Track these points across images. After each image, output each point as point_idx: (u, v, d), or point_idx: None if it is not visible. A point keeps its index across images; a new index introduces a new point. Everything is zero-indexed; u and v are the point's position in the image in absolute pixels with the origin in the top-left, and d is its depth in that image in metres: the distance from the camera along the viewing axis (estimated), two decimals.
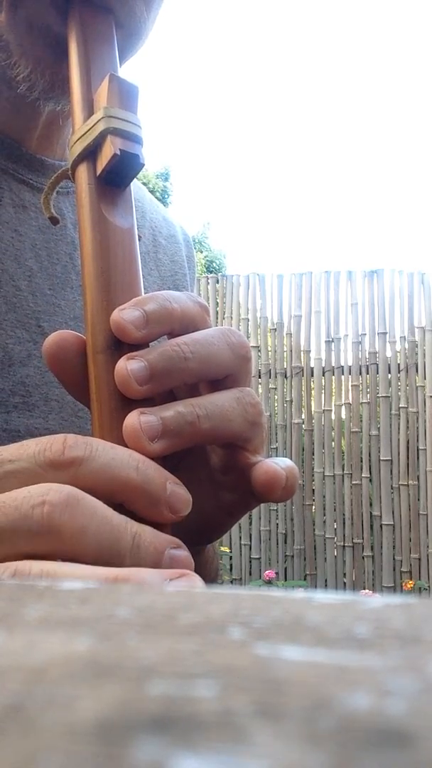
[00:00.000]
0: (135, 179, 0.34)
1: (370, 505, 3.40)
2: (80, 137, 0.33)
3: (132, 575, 0.24)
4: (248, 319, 3.62)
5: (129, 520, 0.26)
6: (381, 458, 3.38)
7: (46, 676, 0.08)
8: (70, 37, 0.36)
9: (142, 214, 0.55)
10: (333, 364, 3.50)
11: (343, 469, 3.44)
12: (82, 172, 0.33)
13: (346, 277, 3.56)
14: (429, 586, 3.26)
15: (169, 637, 0.09)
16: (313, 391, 3.53)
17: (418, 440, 3.38)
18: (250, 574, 3.47)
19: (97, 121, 0.32)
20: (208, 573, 0.44)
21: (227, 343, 0.31)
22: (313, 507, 3.44)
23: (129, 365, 0.28)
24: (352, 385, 3.47)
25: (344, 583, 3.38)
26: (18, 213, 0.45)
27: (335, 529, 3.44)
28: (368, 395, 3.45)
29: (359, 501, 3.39)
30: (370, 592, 3.21)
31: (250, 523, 3.49)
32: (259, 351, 3.58)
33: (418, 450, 3.37)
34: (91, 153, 0.33)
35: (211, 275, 3.77)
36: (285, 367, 3.55)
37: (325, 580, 3.40)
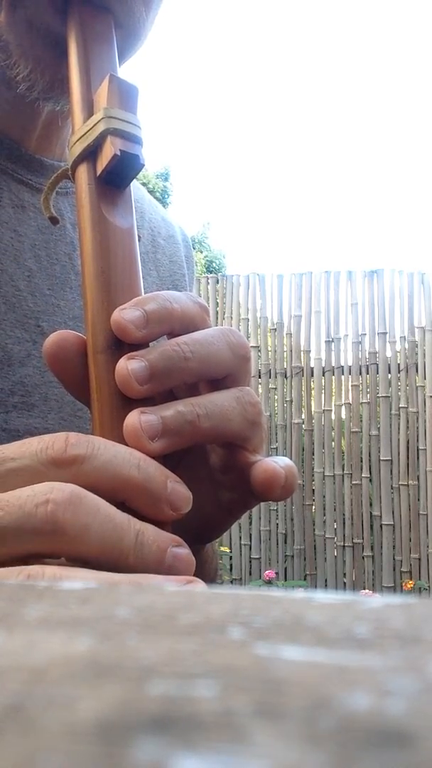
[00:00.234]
0: (134, 179, 0.34)
1: (370, 505, 3.41)
2: (80, 137, 0.33)
3: (144, 582, 0.24)
4: (248, 319, 3.62)
5: (132, 518, 0.26)
6: (381, 458, 3.38)
7: (46, 676, 0.08)
8: (70, 37, 0.36)
9: (141, 214, 0.55)
10: (333, 364, 3.50)
11: (343, 469, 3.44)
12: (82, 172, 0.33)
13: (346, 277, 3.56)
14: (429, 586, 3.26)
15: (169, 637, 0.09)
16: (313, 391, 3.53)
17: (418, 440, 3.38)
18: (250, 574, 3.47)
19: (97, 122, 0.32)
20: (208, 572, 0.44)
21: (227, 343, 0.31)
22: (313, 507, 3.44)
23: (129, 365, 0.28)
24: (352, 385, 3.47)
25: (344, 583, 3.38)
26: (17, 213, 0.45)
27: (335, 529, 3.44)
28: (368, 395, 3.45)
29: (359, 501, 3.39)
30: (370, 592, 3.21)
31: (250, 523, 3.49)
32: (259, 351, 3.58)
33: (418, 450, 3.37)
34: (91, 153, 0.33)
35: (211, 275, 3.77)
36: (285, 367, 3.55)
37: (325, 580, 3.40)
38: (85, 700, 0.07)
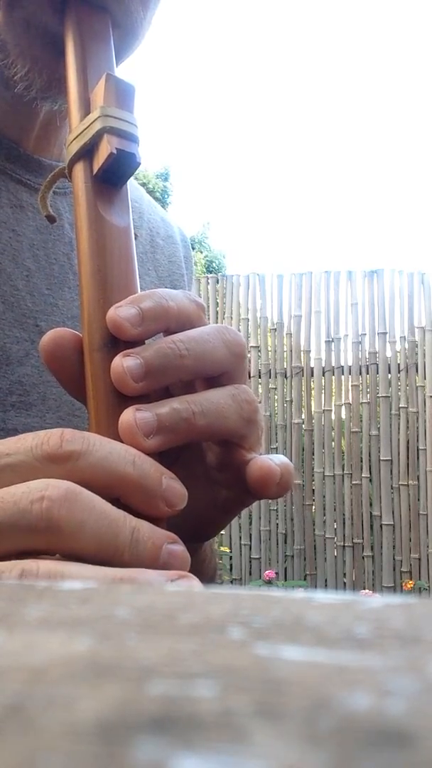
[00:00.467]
0: (133, 180, 0.34)
1: (370, 505, 3.41)
2: (77, 136, 0.33)
3: (137, 575, 0.24)
4: (248, 319, 3.63)
5: (127, 514, 0.26)
6: (381, 458, 3.38)
7: (46, 676, 0.08)
8: (67, 37, 0.36)
9: (139, 214, 0.55)
10: (333, 364, 3.50)
11: (343, 469, 3.44)
12: (79, 170, 0.33)
13: (346, 277, 3.56)
14: (429, 586, 3.26)
15: (169, 637, 0.09)
16: (313, 391, 3.53)
17: (418, 440, 3.38)
18: (250, 574, 3.47)
19: (94, 120, 0.32)
20: (206, 572, 0.44)
21: (223, 341, 0.31)
22: (313, 507, 3.44)
23: (125, 362, 0.29)
24: (352, 385, 3.47)
25: (344, 583, 3.38)
26: (15, 213, 0.45)
27: (335, 529, 3.44)
28: (368, 395, 3.46)
29: (359, 501, 3.39)
30: (370, 592, 3.21)
31: (250, 523, 3.49)
32: (259, 351, 3.58)
33: (418, 450, 3.38)
34: (87, 152, 0.33)
35: (211, 275, 3.77)
36: (285, 367, 3.55)
37: (325, 580, 3.40)
38: (85, 700, 0.07)
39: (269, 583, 3.28)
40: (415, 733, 0.06)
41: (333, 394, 3.50)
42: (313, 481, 3.45)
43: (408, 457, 3.37)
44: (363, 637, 0.10)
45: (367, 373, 3.47)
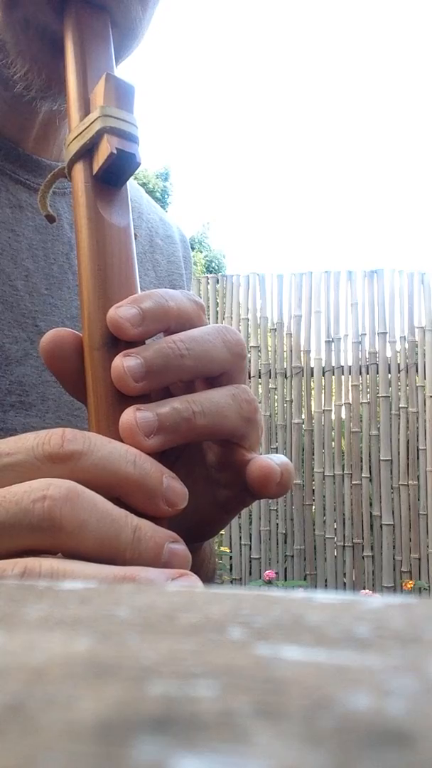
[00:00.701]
0: (133, 180, 0.34)
1: (370, 505, 3.41)
2: (77, 136, 0.33)
3: (138, 574, 0.24)
4: (248, 319, 3.63)
5: (129, 514, 0.26)
6: (381, 458, 3.38)
7: (46, 676, 0.08)
8: (67, 36, 0.36)
9: (139, 214, 0.55)
10: (333, 364, 3.50)
11: (343, 469, 3.44)
12: (79, 170, 0.33)
13: (346, 277, 3.56)
14: (429, 586, 3.26)
15: (169, 637, 0.09)
16: (313, 391, 3.53)
17: (418, 440, 3.38)
18: (250, 574, 3.47)
19: (94, 120, 0.33)
20: (206, 572, 0.44)
21: (223, 341, 0.31)
22: (313, 507, 3.44)
23: (125, 362, 0.29)
24: (352, 385, 3.47)
25: (344, 583, 3.38)
26: (15, 213, 0.45)
27: (335, 529, 3.44)
28: (368, 395, 3.46)
29: (359, 501, 3.39)
30: (370, 592, 3.21)
31: (250, 523, 3.49)
32: (259, 351, 3.58)
33: (418, 450, 3.38)
34: (87, 152, 0.33)
35: (211, 275, 3.77)
36: (285, 367, 3.55)
37: (325, 580, 3.40)
38: (85, 700, 0.07)
39: (269, 583, 3.28)
40: (415, 733, 0.06)
41: (333, 394, 3.50)
42: (313, 481, 3.45)
43: (408, 457, 3.37)
44: (363, 637, 0.09)
45: (367, 373, 3.47)
